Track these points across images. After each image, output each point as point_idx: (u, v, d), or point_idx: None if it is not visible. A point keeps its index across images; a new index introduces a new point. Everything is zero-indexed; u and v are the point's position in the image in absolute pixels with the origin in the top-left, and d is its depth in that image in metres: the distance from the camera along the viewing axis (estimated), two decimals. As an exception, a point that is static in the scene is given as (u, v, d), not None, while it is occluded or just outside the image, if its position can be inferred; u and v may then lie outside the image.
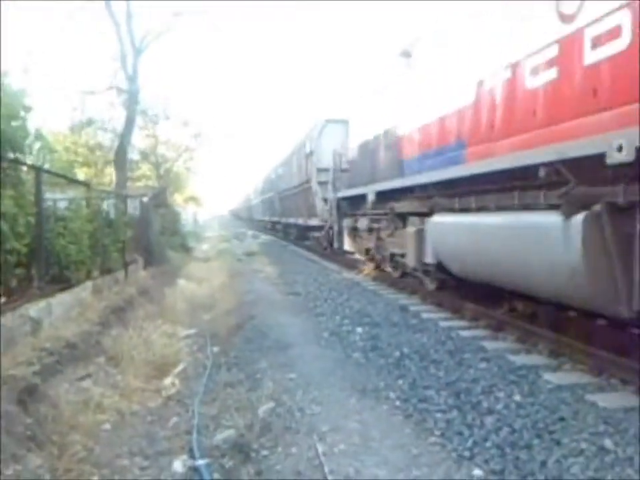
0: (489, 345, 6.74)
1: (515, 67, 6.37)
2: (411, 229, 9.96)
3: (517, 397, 4.87)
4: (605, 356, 5.67)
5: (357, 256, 17.16)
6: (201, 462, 4.33)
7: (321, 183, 18.99)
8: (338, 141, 17.06)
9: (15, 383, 4.71)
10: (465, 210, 7.87)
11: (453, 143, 7.98)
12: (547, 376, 5.46)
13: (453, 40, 8.10)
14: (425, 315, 8.57)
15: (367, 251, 13.93)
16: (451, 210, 8.23)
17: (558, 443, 3.95)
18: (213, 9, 31.62)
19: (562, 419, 4.35)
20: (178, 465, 4.43)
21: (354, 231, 14.56)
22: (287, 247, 27.43)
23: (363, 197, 12.51)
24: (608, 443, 3.92)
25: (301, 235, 26.04)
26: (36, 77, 20.04)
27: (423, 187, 9.24)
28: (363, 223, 13.34)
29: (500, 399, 4.85)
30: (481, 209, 7.41)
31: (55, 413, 4.83)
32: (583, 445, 3.90)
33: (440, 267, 8.92)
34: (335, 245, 16.51)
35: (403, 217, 10.71)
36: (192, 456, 4.49)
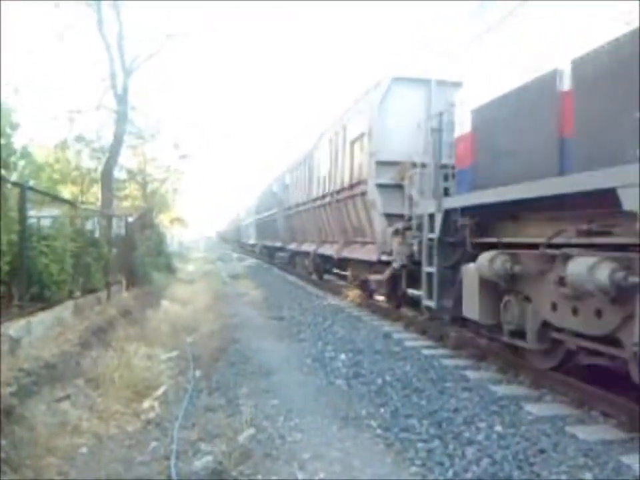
0: (471, 374, 6.76)
1: None
2: None
3: (498, 428, 4.87)
4: (585, 388, 5.70)
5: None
6: (178, 488, 4.26)
7: (383, 187, 11.04)
8: (416, 115, 10.38)
9: (-9, 403, 4.62)
10: None
11: None
12: (528, 407, 5.48)
13: None
14: (408, 343, 8.57)
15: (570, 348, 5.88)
16: None
17: (538, 475, 3.95)
18: (210, 9, 31.55)
19: (542, 451, 4.36)
20: (155, 491, 4.35)
21: (511, 284, 6.45)
22: (271, 270, 27.36)
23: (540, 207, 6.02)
24: (588, 476, 3.93)
25: (323, 270, 18.69)
26: (25, 93, 19.99)
27: None
28: (591, 270, 4.82)
29: (481, 429, 4.85)
30: None
31: (31, 435, 4.74)
32: (563, 477, 3.91)
33: None
34: (430, 303, 8.20)
35: None
36: (170, 482, 4.41)
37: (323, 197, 15.95)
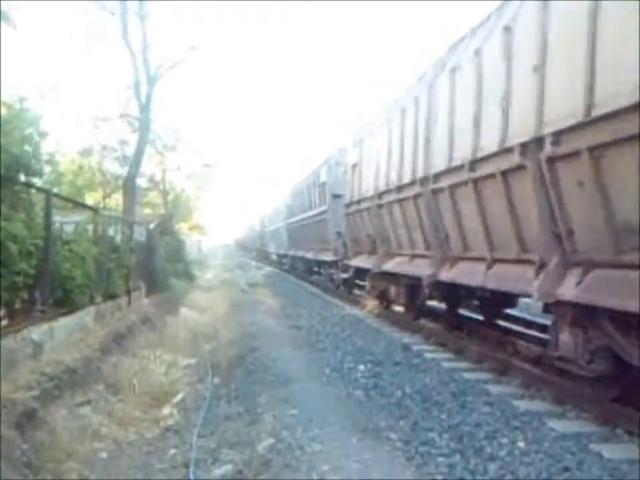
0: (493, 388, 6.67)
1: None
2: None
3: (521, 444, 4.79)
4: (610, 405, 5.59)
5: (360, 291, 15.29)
6: (197, 497, 4.25)
7: None
8: None
9: (13, 406, 4.67)
10: None
11: None
12: (552, 423, 5.38)
13: None
14: (427, 355, 8.49)
15: None
16: None
17: (562, 493, 3.88)
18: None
19: (566, 469, 4.27)
20: (174, 499, 4.35)
21: None
22: (289, 278, 27.37)
23: None
24: (614, 496, 3.84)
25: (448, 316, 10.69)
26: (51, 101, 20.31)
27: None
28: None
29: (503, 444, 4.77)
30: None
31: (52, 439, 4.78)
32: (589, 497, 3.83)
33: None
34: None
35: None
36: (189, 490, 4.42)
37: (460, 168, 7.68)
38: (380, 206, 11.73)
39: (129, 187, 19.56)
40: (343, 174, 16.34)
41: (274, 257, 38.75)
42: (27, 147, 7.13)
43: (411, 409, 5.76)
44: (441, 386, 6.66)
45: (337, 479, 3.99)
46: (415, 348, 9.06)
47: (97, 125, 22.75)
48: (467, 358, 8.29)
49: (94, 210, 11.22)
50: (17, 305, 6.66)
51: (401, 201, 10.42)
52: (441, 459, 4.48)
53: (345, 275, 16.67)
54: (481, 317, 10.29)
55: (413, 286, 10.46)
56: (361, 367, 7.52)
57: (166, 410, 6.58)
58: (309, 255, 22.09)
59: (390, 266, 11.39)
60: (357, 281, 16.18)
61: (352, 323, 11.69)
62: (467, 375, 7.26)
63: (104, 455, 5.08)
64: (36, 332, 6.48)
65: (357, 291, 16.81)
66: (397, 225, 11.01)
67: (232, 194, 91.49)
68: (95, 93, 31.94)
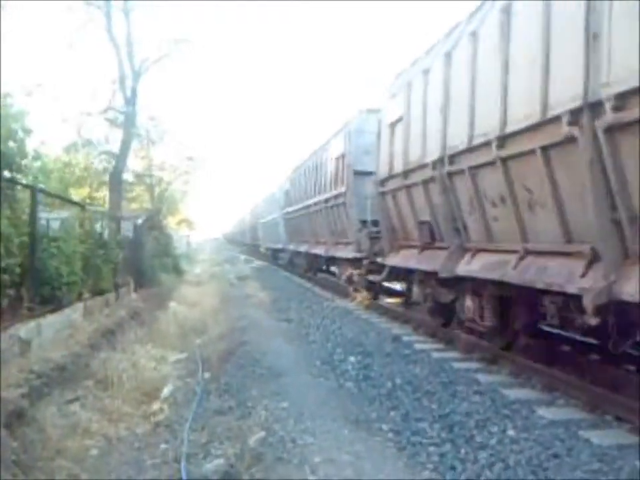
0: (483, 377, 6.71)
1: None
2: None
3: (511, 432, 4.83)
4: (599, 392, 5.64)
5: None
6: (189, 492, 4.24)
7: None
8: None
9: (2, 405, 4.63)
10: None
11: None
12: (541, 411, 5.42)
13: None
14: (417, 346, 8.52)
15: None
16: None
17: (552, 480, 3.91)
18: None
19: (556, 456, 4.31)
20: (166, 494, 4.34)
21: None
22: (277, 271, 27.33)
23: None
24: (603, 481, 3.87)
25: None
26: (36, 97, 20.06)
27: None
28: None
29: (494, 433, 4.81)
30: None
31: (42, 437, 4.75)
32: (578, 483, 3.86)
33: None
34: None
35: None
36: (180, 485, 4.40)
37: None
38: (451, 175, 7.74)
39: (115, 181, 19.40)
40: (369, 142, 12.17)
41: (268, 253, 35.33)
42: (11, 143, 7.06)
43: (402, 400, 5.77)
44: (431, 376, 6.69)
45: (329, 470, 3.99)
46: (404, 339, 9.09)
47: (82, 120, 22.50)
48: (457, 348, 8.33)
49: (80, 206, 11.13)
50: (4, 303, 6.60)
51: (504, 160, 6.29)
52: (432, 448, 4.50)
53: (374, 278, 12.32)
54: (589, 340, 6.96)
55: (504, 300, 7.22)
56: (352, 359, 7.53)
57: (157, 405, 6.55)
58: (318, 251, 17.50)
59: (474, 268, 7.27)
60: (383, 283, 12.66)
61: (341, 314, 11.71)
62: (456, 365, 7.30)
63: (94, 451, 5.04)
64: (23, 329, 6.43)
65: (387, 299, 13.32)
66: (486, 203, 6.96)
67: (220, 188, 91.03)
68: (80, 89, 31.61)
